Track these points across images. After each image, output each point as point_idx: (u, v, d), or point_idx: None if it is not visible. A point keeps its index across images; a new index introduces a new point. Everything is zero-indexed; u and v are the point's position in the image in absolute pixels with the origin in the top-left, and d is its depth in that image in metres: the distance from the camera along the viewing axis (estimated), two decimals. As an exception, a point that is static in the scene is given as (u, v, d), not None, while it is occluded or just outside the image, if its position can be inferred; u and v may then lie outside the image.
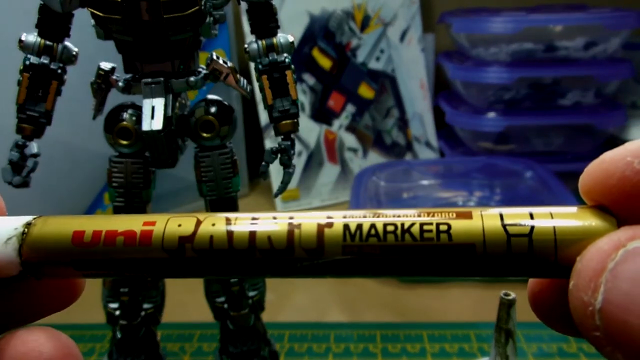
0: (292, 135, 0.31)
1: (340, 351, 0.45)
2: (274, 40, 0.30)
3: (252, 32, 0.31)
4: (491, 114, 0.78)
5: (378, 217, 0.15)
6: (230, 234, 0.15)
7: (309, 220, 0.15)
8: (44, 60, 0.30)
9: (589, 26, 0.74)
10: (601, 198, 0.14)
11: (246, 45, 0.31)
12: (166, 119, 0.29)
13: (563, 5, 0.82)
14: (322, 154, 0.76)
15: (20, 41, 0.30)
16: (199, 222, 0.16)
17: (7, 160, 0.30)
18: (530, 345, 0.44)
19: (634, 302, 0.12)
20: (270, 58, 0.30)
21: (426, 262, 0.15)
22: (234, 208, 0.33)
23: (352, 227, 0.15)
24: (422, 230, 0.15)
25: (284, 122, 0.31)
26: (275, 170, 0.83)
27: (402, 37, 0.82)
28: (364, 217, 0.15)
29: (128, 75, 0.31)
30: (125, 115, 0.31)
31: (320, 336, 0.46)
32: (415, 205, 0.70)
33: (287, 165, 0.32)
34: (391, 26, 0.81)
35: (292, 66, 0.31)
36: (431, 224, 0.15)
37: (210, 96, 0.32)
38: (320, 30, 0.77)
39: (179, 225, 0.16)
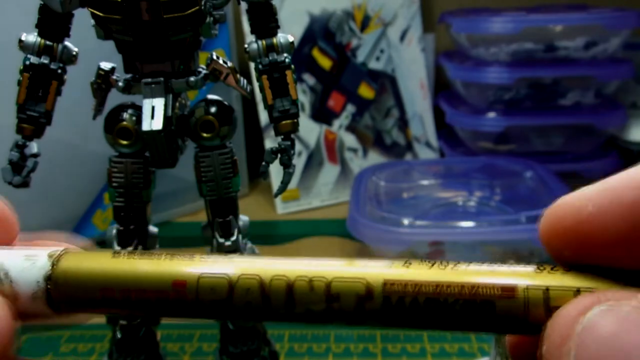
0: (292, 135, 0.31)
1: (340, 351, 0.45)
2: (274, 40, 0.30)
3: (252, 32, 0.31)
4: (491, 114, 0.78)
5: (418, 290, 0.15)
6: (267, 302, 0.15)
7: (347, 292, 0.15)
8: (44, 60, 0.29)
9: (589, 26, 0.74)
10: (558, 241, 0.15)
11: (246, 45, 0.31)
12: (166, 119, 0.29)
13: (563, 5, 0.82)
14: (322, 154, 0.76)
15: (20, 41, 0.29)
16: (231, 287, 0.15)
17: (7, 160, 0.30)
18: (530, 345, 0.44)
19: None
20: (270, 58, 0.30)
21: (452, 323, 0.15)
22: (234, 208, 0.33)
23: (394, 300, 0.15)
24: (464, 308, 0.15)
25: (284, 122, 0.31)
26: (275, 170, 0.83)
27: (402, 37, 0.82)
28: (405, 288, 0.15)
29: (128, 75, 0.31)
30: (125, 115, 0.31)
31: (320, 336, 0.46)
32: (415, 206, 0.70)
33: (287, 165, 0.31)
34: (391, 26, 0.81)
35: (292, 66, 0.31)
36: (475, 303, 0.15)
37: (210, 96, 0.32)
38: (320, 30, 0.77)
39: (212, 290, 0.15)
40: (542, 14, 0.77)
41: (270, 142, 0.73)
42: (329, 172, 0.76)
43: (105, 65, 0.31)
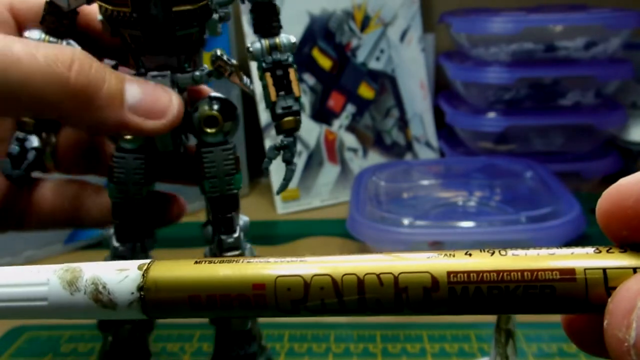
0: (295, 133, 0.31)
1: (340, 351, 0.45)
2: (277, 40, 0.31)
3: (255, 32, 0.31)
4: (491, 114, 0.78)
5: (481, 279, 0.16)
6: (340, 298, 0.16)
7: (414, 284, 0.16)
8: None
9: (589, 26, 0.74)
10: (617, 221, 0.15)
11: (249, 45, 0.31)
12: None
13: (563, 5, 0.82)
14: (322, 154, 0.76)
15: (24, 37, 0.29)
16: (307, 286, 0.16)
17: (7, 154, 0.30)
18: (530, 345, 0.44)
19: None
20: (274, 57, 0.30)
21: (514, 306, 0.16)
22: (235, 205, 0.33)
23: (458, 290, 0.16)
24: (526, 293, 0.15)
25: (286, 119, 0.31)
26: (275, 169, 0.83)
27: (402, 37, 0.82)
28: (468, 277, 0.16)
29: (133, 71, 0.31)
30: None
31: (320, 336, 0.46)
32: (415, 206, 0.70)
33: (289, 162, 0.32)
34: (391, 26, 0.81)
35: (295, 65, 0.31)
36: (536, 287, 0.15)
37: (214, 93, 0.32)
38: (320, 30, 0.77)
39: (288, 290, 0.17)
40: (542, 14, 0.77)
41: (270, 142, 0.73)
42: (329, 172, 0.76)
43: (109, 62, 0.31)
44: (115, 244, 0.32)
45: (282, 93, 0.30)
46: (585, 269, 0.15)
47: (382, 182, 0.72)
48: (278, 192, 0.33)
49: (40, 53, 0.23)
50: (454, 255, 0.16)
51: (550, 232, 0.55)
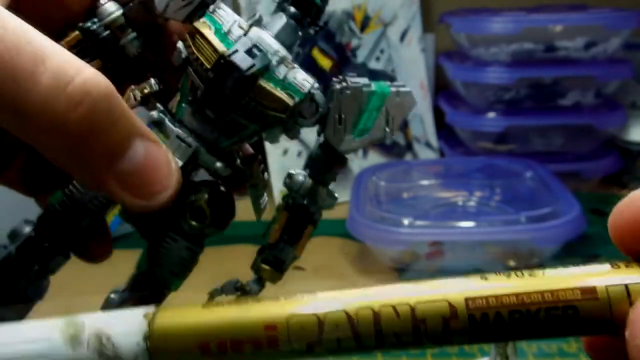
0: (263, 285, 0.27)
1: (340, 351, 0.44)
2: (322, 190, 0.27)
3: (310, 175, 0.27)
4: (491, 114, 0.78)
5: (501, 303, 0.15)
6: (356, 334, 0.16)
7: (432, 314, 0.15)
8: (104, 32, 0.26)
9: (589, 26, 0.74)
10: (632, 235, 0.15)
11: (292, 171, 0.27)
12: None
13: (563, 5, 0.82)
14: (322, 154, 0.76)
15: (99, 3, 0.26)
16: (321, 324, 0.16)
17: None
18: (530, 345, 0.44)
19: None
20: (306, 202, 0.27)
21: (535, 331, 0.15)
22: (160, 295, 0.27)
23: (478, 316, 0.15)
24: (548, 315, 0.15)
25: (267, 268, 0.27)
26: (275, 173, 0.82)
27: (402, 37, 0.82)
28: (487, 303, 0.15)
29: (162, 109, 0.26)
30: None
31: (320, 336, 0.46)
32: (415, 206, 0.70)
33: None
34: (391, 26, 0.81)
35: (317, 224, 0.27)
36: (558, 308, 0.15)
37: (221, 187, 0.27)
38: (321, 31, 0.76)
39: (301, 329, 0.16)
40: (542, 14, 0.77)
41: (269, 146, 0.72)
42: (329, 172, 0.76)
43: (152, 82, 0.26)
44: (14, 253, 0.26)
45: (285, 237, 0.27)
46: (606, 287, 0.15)
47: (382, 182, 0.72)
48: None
49: (48, 67, 0.18)
50: (469, 280, 0.16)
51: (550, 232, 0.55)
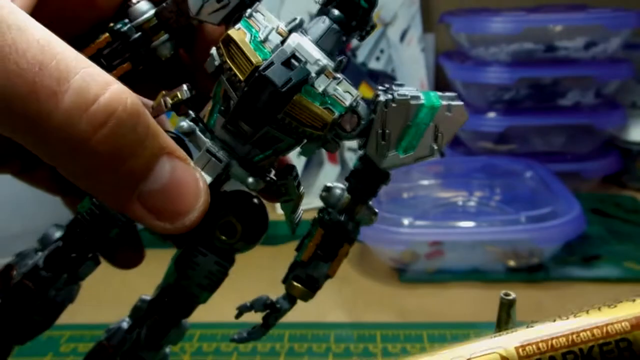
0: (294, 303, 0.26)
1: (340, 351, 0.45)
2: (362, 208, 0.26)
3: (349, 192, 0.26)
4: (491, 114, 0.78)
5: (552, 346, 0.15)
6: None
7: None
8: (135, 34, 0.25)
9: (589, 26, 0.74)
10: None
11: (330, 184, 0.25)
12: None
13: (563, 5, 0.82)
14: (322, 154, 0.76)
15: (130, 2, 0.25)
16: None
17: None
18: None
19: None
20: (343, 219, 0.25)
21: None
22: (187, 312, 0.27)
23: None
24: (602, 352, 0.15)
25: (299, 287, 0.26)
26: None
27: (402, 37, 0.82)
28: (538, 348, 0.15)
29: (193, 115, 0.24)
30: None
31: (320, 336, 0.46)
32: (415, 206, 0.70)
33: (267, 326, 0.27)
34: (391, 26, 0.81)
35: (354, 241, 0.26)
36: (610, 343, 0.15)
37: (255, 198, 0.26)
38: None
39: None
40: (542, 14, 0.77)
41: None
42: (329, 172, 0.76)
43: (185, 88, 0.25)
44: (40, 263, 0.25)
45: (319, 253, 0.25)
46: None
47: (382, 182, 0.72)
48: (232, 340, 0.28)
49: (72, 85, 0.17)
50: (516, 330, 0.16)
51: (550, 232, 0.55)
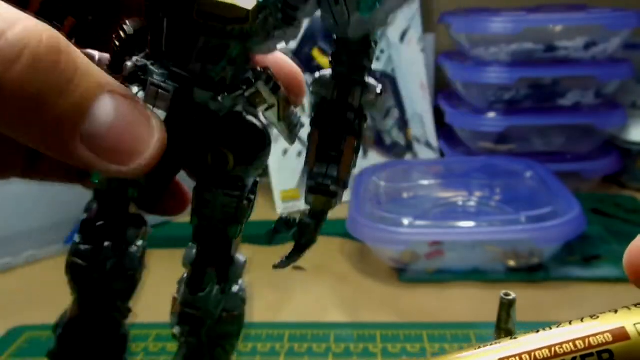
0: (323, 217, 0.24)
1: (340, 351, 0.45)
2: (356, 91, 0.23)
3: (334, 78, 0.23)
4: (491, 114, 0.78)
5: (535, 358, 0.15)
6: None
7: None
8: None
9: (589, 26, 0.74)
10: None
11: (317, 74, 0.23)
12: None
13: (563, 5, 0.82)
14: (322, 154, 0.76)
15: None
16: None
17: None
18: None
19: None
20: (337, 107, 0.23)
21: None
22: (221, 257, 0.26)
23: None
24: None
25: (318, 197, 0.24)
26: (277, 169, 0.81)
27: (402, 37, 0.82)
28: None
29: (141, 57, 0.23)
30: None
31: (320, 336, 0.46)
32: (415, 206, 0.70)
33: (301, 249, 0.25)
34: (391, 26, 0.81)
35: (363, 133, 0.23)
36: (592, 355, 0.15)
37: (249, 117, 0.24)
38: (321, 30, 0.76)
39: None
40: (542, 14, 0.77)
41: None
42: (329, 172, 0.76)
43: (130, 26, 0.23)
44: (77, 239, 0.25)
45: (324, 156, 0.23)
46: (634, 324, 0.15)
47: (382, 182, 0.72)
48: (275, 267, 0.26)
49: None
50: (499, 343, 0.16)
51: (550, 232, 0.55)
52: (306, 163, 0.24)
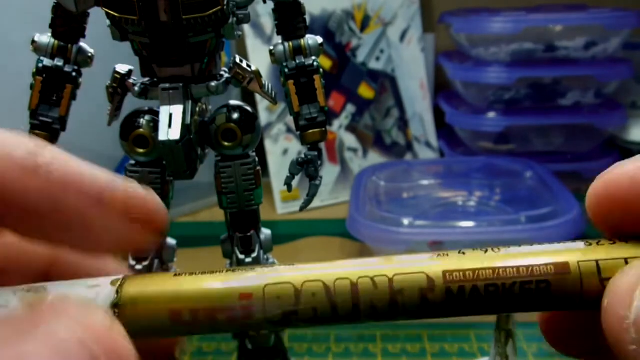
0: (320, 145, 0.30)
1: (340, 351, 0.45)
2: (302, 42, 0.29)
3: (278, 34, 0.29)
4: (491, 114, 0.78)
5: (477, 277, 0.15)
6: (333, 305, 0.15)
7: (410, 286, 0.15)
8: (58, 62, 0.28)
9: (589, 26, 0.74)
10: (607, 212, 0.16)
11: (272, 48, 0.29)
12: (184, 127, 0.27)
13: (563, 5, 0.82)
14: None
15: (33, 42, 0.28)
16: (298, 293, 0.15)
17: None
18: (530, 345, 0.44)
19: None
20: (298, 62, 0.28)
21: (509, 305, 0.15)
22: (255, 222, 0.31)
23: (455, 289, 0.15)
24: (522, 289, 0.15)
25: (310, 131, 0.29)
26: (277, 171, 0.82)
27: (402, 37, 0.82)
28: (464, 276, 0.15)
29: (145, 79, 0.28)
30: (142, 122, 0.28)
31: (320, 336, 0.46)
32: (415, 206, 0.70)
33: (313, 177, 0.30)
34: (391, 26, 0.81)
35: (321, 70, 0.29)
36: (531, 282, 0.15)
37: (233, 102, 0.30)
38: (320, 30, 0.77)
39: (278, 298, 0.15)
40: (542, 14, 0.77)
41: (270, 142, 0.73)
42: (329, 172, 0.76)
43: (122, 68, 0.29)
44: (131, 262, 0.29)
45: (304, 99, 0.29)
46: (578, 262, 0.15)
47: (382, 182, 0.72)
48: (301, 209, 0.32)
49: None
50: (447, 255, 0.16)
51: (550, 232, 0.55)
52: (291, 111, 0.29)
